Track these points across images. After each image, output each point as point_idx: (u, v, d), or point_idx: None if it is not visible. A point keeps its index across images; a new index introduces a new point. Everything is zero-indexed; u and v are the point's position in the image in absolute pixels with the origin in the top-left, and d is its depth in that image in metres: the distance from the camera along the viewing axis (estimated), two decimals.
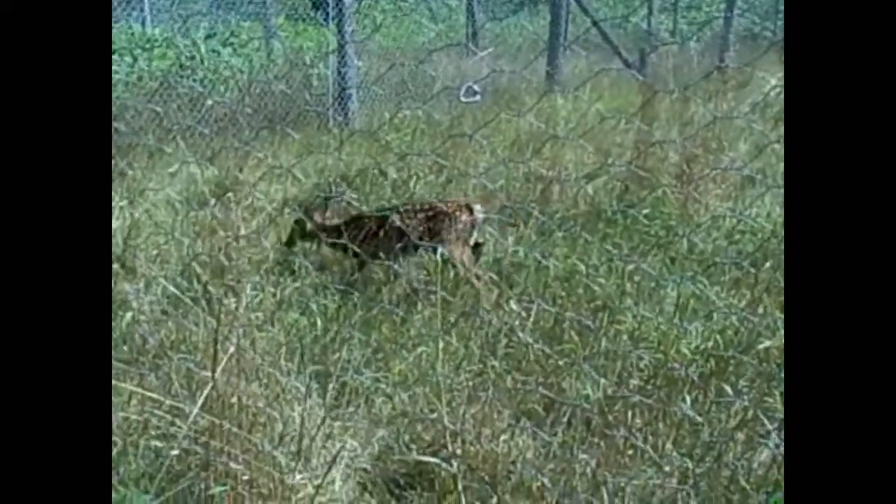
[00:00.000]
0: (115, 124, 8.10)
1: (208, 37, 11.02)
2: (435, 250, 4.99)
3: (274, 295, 4.55)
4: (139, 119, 8.61)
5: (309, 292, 4.82)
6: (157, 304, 4.11)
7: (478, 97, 9.27)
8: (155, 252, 5.33)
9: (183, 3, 12.43)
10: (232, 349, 3.13)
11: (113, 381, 3.44)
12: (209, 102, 9.55)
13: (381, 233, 5.09)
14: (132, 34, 10.67)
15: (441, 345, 3.90)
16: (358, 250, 4.87)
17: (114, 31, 10.72)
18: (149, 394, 3.32)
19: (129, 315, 3.92)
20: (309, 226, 5.35)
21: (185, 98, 9.33)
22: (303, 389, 3.38)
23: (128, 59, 10.00)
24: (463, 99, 9.16)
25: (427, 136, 7.84)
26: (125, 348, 3.87)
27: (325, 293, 4.81)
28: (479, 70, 10.65)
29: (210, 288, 4.11)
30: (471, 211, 5.13)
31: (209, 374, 3.18)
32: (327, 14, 10.42)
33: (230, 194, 5.61)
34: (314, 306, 4.53)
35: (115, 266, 4.79)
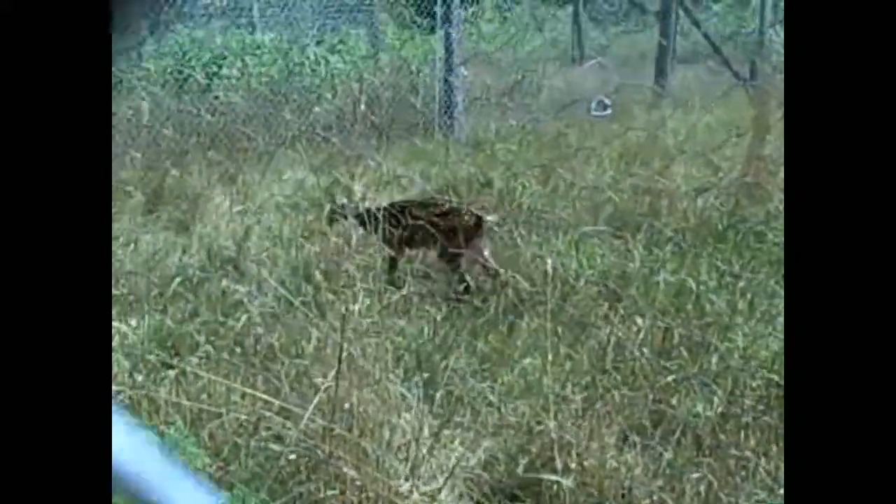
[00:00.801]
0: (243, 127, 8.26)
1: (317, 43, 11.18)
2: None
3: (380, 301, 4.57)
4: (249, 123, 8.78)
5: (415, 300, 4.84)
6: (269, 307, 4.16)
7: (608, 111, 9.16)
8: (265, 255, 5.41)
9: (291, 11, 12.64)
10: (344, 354, 3.16)
11: (226, 381, 3.50)
12: (317, 109, 9.69)
13: (398, 224, 5.25)
14: (241, 40, 10.88)
15: (549, 356, 3.87)
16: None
17: (224, 36, 10.95)
18: (260, 395, 3.37)
19: (244, 317, 3.98)
20: (342, 204, 5.62)
21: (293, 104, 9.48)
22: (411, 397, 3.39)
23: (238, 64, 10.20)
24: (594, 113, 9.06)
25: (533, 146, 7.81)
26: (238, 350, 3.93)
27: (431, 301, 4.82)
28: (585, 81, 10.59)
29: (322, 292, 4.15)
30: (479, 218, 5.27)
31: (319, 376, 3.22)
32: (434, 22, 10.49)
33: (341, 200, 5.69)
34: (422, 314, 4.55)
35: (229, 268, 4.88)
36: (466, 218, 5.24)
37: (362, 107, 9.67)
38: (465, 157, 7.69)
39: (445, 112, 9.67)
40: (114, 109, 8.14)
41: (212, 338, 4.07)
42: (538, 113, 9.04)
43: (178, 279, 4.53)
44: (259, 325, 3.85)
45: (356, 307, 3.69)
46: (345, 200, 5.68)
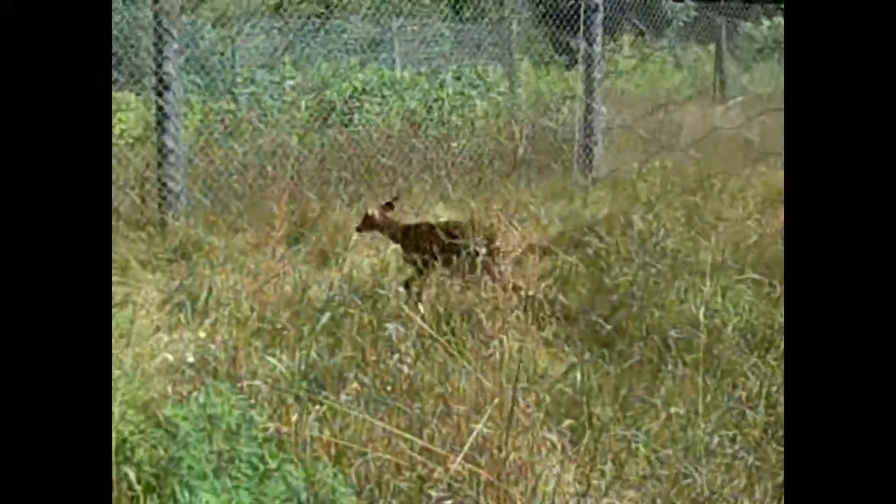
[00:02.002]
0: (383, 160, 8.37)
1: (455, 79, 11.28)
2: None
3: (521, 342, 4.53)
4: (389, 157, 8.88)
5: (555, 341, 4.78)
6: (412, 344, 4.16)
7: None
8: (402, 290, 5.43)
9: (430, 47, 12.79)
10: (492, 397, 3.13)
11: (371, 419, 3.49)
12: (454, 144, 9.74)
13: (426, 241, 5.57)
14: (381, 75, 11.05)
15: (700, 407, 3.76)
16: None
17: (364, 72, 11.14)
18: (404, 434, 3.35)
19: (387, 354, 3.99)
20: (377, 217, 5.94)
21: (431, 138, 9.56)
22: (557, 443, 3.34)
23: (377, 98, 10.35)
24: None
25: (676, 186, 7.67)
26: (381, 386, 3.93)
27: (573, 344, 4.75)
28: (727, 119, 10.38)
29: (464, 330, 4.14)
30: (489, 239, 5.42)
31: (463, 417, 3.19)
32: (571, 58, 10.43)
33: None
34: (564, 356, 4.49)
35: (370, 302, 4.91)
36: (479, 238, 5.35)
37: (495, 143, 9.70)
38: (605, 196, 7.61)
39: (584, 149, 9.59)
40: (262, 141, 8.36)
41: (355, 372, 4.10)
42: (680, 151, 8.88)
43: (326, 314, 4.58)
44: (404, 363, 3.84)
45: (500, 348, 3.67)
46: (375, 212, 5.97)
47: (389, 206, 6.04)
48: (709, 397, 4.04)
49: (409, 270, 5.81)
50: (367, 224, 6.03)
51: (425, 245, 5.54)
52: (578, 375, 4.22)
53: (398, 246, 5.99)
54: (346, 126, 9.50)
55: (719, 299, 5.25)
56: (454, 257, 5.35)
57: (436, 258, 5.48)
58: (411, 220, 6.27)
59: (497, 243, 5.43)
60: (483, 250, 5.02)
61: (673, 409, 3.99)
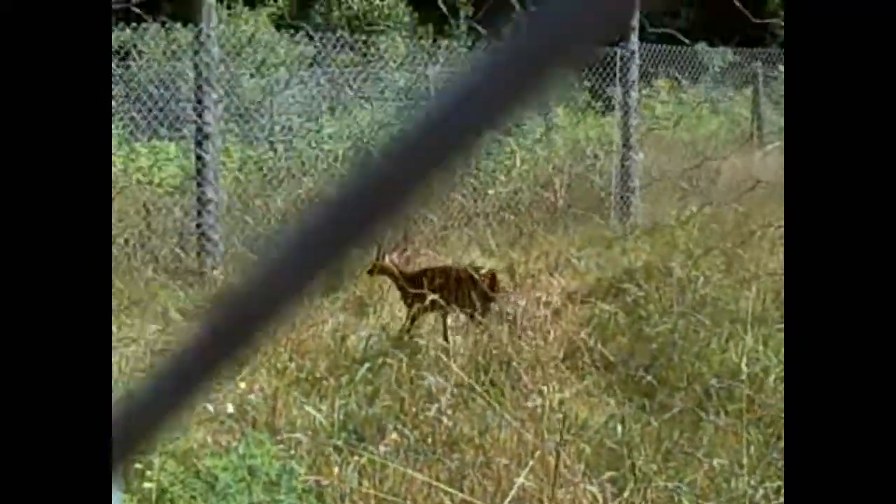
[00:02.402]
0: (416, 209, 8.38)
1: None
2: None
3: (560, 391, 4.49)
4: (424, 205, 8.90)
5: (595, 391, 4.74)
6: (451, 395, 4.14)
7: None
8: (442, 340, 5.42)
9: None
10: (532, 448, 3.10)
11: (409, 471, 3.47)
12: (491, 191, 9.76)
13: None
14: None
15: (746, 459, 3.70)
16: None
17: (401, 118, 11.20)
18: (443, 487, 3.33)
19: (426, 403, 3.97)
20: (387, 261, 5.97)
21: (468, 186, 9.58)
22: (598, 495, 3.29)
23: None
24: None
25: (715, 232, 7.61)
26: (419, 437, 3.91)
27: (613, 393, 4.71)
28: (765, 165, 10.32)
29: (502, 380, 4.12)
30: (493, 278, 5.54)
31: (503, 469, 3.16)
32: (607, 105, 10.44)
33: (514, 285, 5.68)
34: (603, 407, 4.45)
35: (407, 352, 4.89)
36: (482, 278, 5.47)
37: (531, 191, 9.70)
38: (644, 244, 7.56)
39: (621, 197, 9.56)
40: (300, 186, 8.42)
41: (395, 423, 4.08)
42: (718, 197, 8.83)
43: (365, 364, 4.57)
44: (443, 414, 3.83)
45: (540, 399, 3.64)
46: (386, 257, 6.00)
47: (400, 250, 6.10)
48: (752, 448, 3.97)
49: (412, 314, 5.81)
50: (378, 270, 6.06)
51: (462, 293, 5.51)
52: (619, 426, 4.17)
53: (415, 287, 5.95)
54: None
55: (761, 348, 5.18)
56: (493, 305, 5.35)
57: (474, 305, 5.45)
58: (436, 264, 6.27)
59: (537, 293, 5.41)
60: (523, 301, 5.02)
61: (716, 461, 3.93)
